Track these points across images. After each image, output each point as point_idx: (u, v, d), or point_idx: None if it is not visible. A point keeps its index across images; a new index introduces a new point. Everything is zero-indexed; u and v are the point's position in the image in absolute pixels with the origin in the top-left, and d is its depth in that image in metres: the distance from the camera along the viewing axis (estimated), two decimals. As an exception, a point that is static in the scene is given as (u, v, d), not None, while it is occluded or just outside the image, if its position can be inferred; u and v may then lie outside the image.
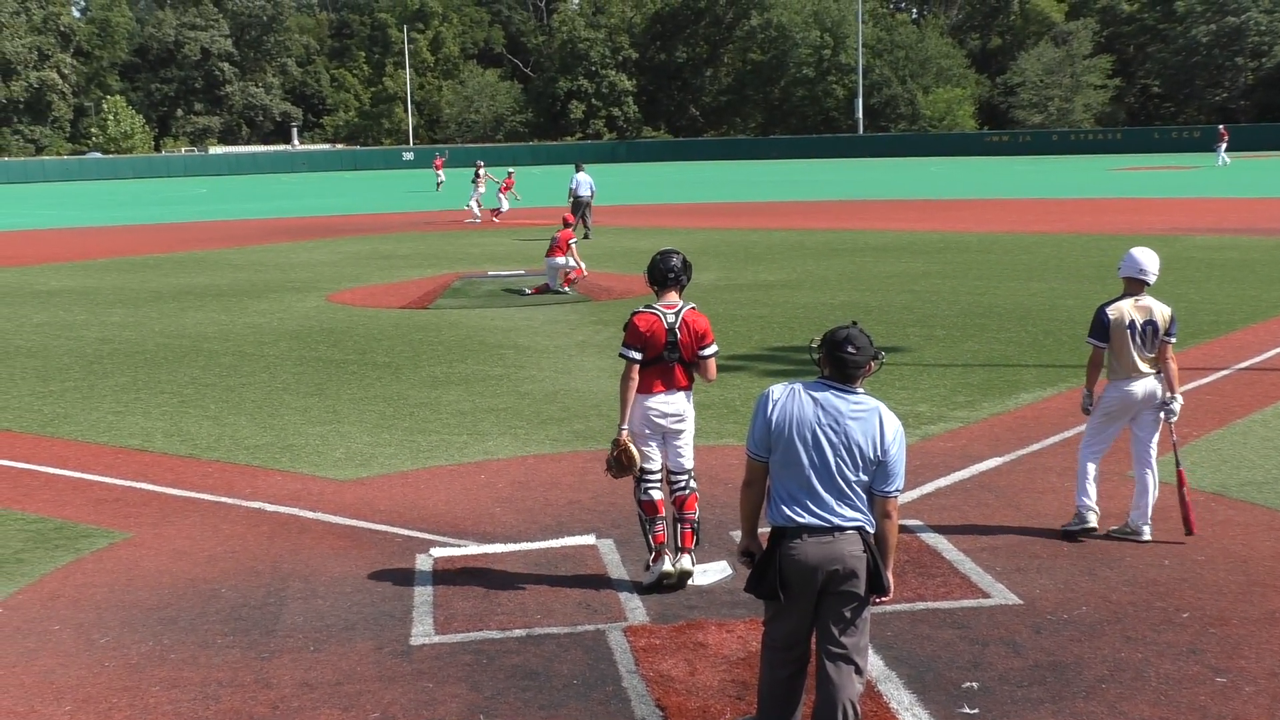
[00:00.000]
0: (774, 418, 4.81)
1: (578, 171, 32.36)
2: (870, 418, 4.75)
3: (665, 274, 7.12)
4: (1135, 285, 7.87)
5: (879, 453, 4.72)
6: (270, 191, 63.99)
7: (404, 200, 52.07)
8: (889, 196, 46.46)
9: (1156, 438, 7.92)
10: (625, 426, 7.03)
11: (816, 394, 4.80)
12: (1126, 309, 7.82)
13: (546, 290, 20.66)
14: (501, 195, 40.18)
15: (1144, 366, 7.82)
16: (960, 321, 16.68)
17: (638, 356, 6.99)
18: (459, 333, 16.92)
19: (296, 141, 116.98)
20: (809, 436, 4.74)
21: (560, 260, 20.59)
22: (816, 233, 31.51)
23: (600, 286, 21.30)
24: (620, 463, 7.02)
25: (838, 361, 4.79)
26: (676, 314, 7.04)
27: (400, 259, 27.65)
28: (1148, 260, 7.86)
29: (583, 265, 21.27)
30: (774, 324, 16.88)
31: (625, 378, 7.03)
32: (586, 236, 30.21)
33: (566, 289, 20.72)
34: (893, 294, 19.59)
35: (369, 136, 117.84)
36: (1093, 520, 7.87)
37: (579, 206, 31.65)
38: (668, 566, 7.06)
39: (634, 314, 7.09)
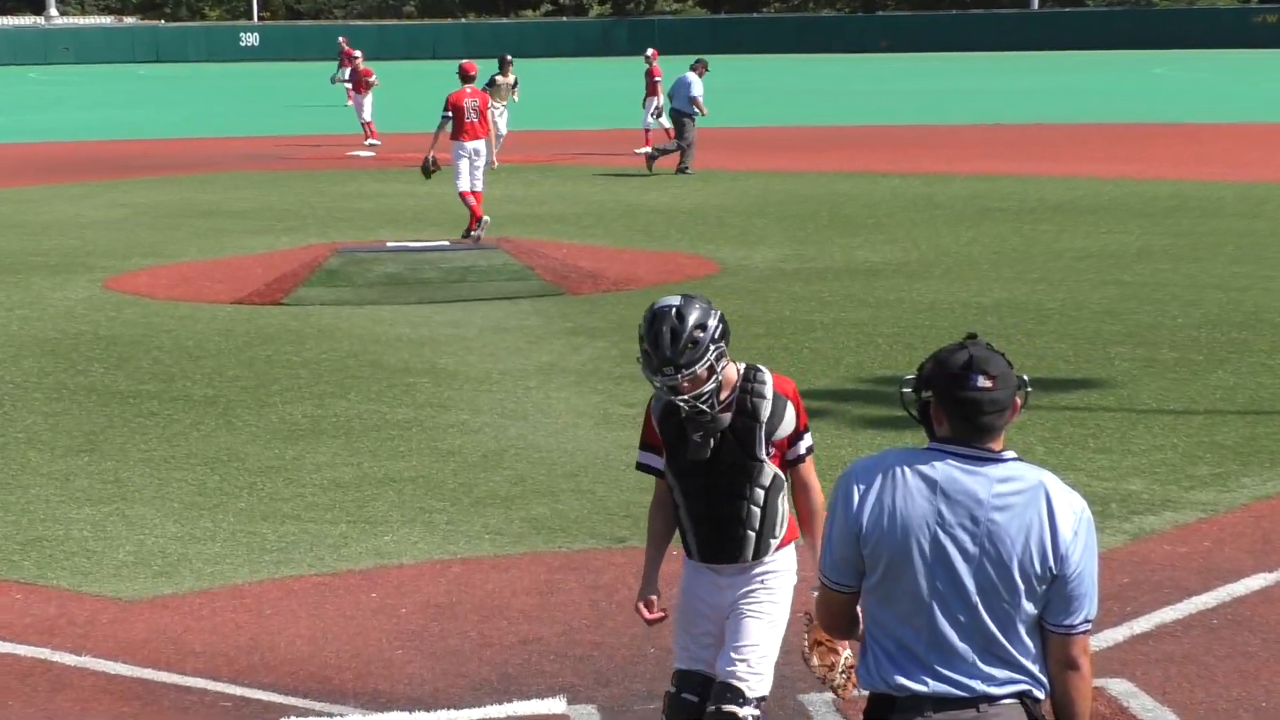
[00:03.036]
0: (865, 520, 4.82)
1: (692, 71, 36.19)
2: (1031, 502, 4.76)
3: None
4: None
5: (1050, 563, 4.74)
6: (9, 98, 64.03)
7: (253, 119, 52.10)
8: (1081, 119, 46.49)
9: None
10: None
11: (931, 471, 4.80)
12: None
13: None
14: (343, 81, 43.13)
15: None
16: (1204, 337, 16.68)
17: None
18: (336, 346, 16.95)
19: (54, 10, 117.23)
20: (927, 546, 4.77)
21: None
22: (955, 179, 31.55)
23: (579, 270, 21.27)
24: (821, 656, 6.38)
25: (961, 405, 4.76)
26: None
27: (234, 218, 27.72)
28: None
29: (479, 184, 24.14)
30: (878, 339, 16.89)
31: (817, 490, 6.67)
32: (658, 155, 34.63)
33: (478, 233, 23.41)
34: (1087, 288, 19.62)
35: (180, 6, 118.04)
36: None
37: (681, 122, 34.77)
38: None
39: (774, 374, 6.91)
